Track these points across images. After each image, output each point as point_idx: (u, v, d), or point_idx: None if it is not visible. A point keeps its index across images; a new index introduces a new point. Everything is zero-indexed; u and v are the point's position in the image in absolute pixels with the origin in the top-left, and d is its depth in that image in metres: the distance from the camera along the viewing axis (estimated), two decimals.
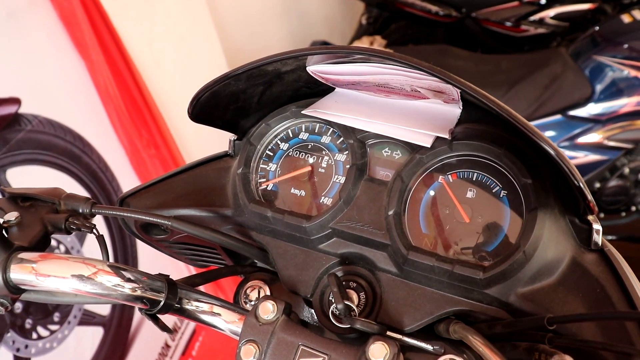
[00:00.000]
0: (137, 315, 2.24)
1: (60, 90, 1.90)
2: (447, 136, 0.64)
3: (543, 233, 0.59)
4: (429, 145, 0.65)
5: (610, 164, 2.41)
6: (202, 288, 0.90)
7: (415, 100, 0.69)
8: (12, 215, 0.65)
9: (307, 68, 0.67)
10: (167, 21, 2.30)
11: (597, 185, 2.54)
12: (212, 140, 0.88)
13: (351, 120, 0.69)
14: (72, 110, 1.94)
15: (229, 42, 2.85)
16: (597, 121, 2.34)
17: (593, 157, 2.39)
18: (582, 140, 2.38)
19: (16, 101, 1.71)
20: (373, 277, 0.66)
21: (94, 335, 2.01)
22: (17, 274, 0.60)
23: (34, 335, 1.74)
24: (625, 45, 2.31)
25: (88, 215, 0.69)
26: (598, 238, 0.60)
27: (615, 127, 2.33)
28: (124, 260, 2.17)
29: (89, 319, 1.99)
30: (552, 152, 0.52)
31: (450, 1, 3.47)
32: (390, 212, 0.65)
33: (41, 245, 0.65)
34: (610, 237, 2.77)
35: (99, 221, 1.99)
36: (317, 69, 0.66)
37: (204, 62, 2.56)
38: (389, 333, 0.60)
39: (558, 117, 2.39)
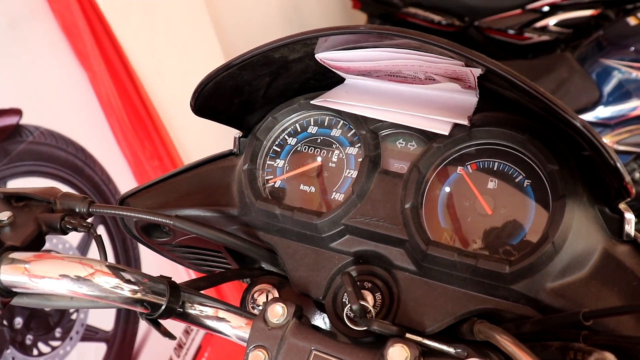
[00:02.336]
0: (142, 330, 2.20)
1: (62, 101, 1.89)
2: (466, 123, 0.60)
3: (572, 223, 0.55)
4: (447, 133, 0.61)
5: None
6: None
7: (430, 87, 0.65)
8: (4, 215, 0.62)
9: (316, 55, 0.63)
10: (168, 31, 2.30)
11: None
12: (217, 150, 0.86)
13: (363, 109, 0.65)
14: (74, 122, 1.93)
15: (231, 52, 2.83)
16: (605, 125, 2.32)
17: None
18: None
19: (17, 112, 1.70)
20: (389, 276, 0.62)
21: (97, 351, 1.98)
22: (8, 275, 0.56)
23: (35, 352, 1.72)
24: (632, 48, 2.29)
25: (85, 215, 0.66)
26: (630, 228, 0.56)
27: (624, 131, 2.30)
28: (125, 265, 2.14)
29: (91, 334, 1.96)
30: (584, 129, 0.49)
31: (453, 10, 3.47)
32: (407, 205, 0.61)
33: (35, 245, 0.62)
34: None
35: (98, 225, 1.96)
36: (326, 56, 0.62)
37: (206, 72, 2.54)
38: (408, 335, 0.55)
39: None
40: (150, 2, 2.16)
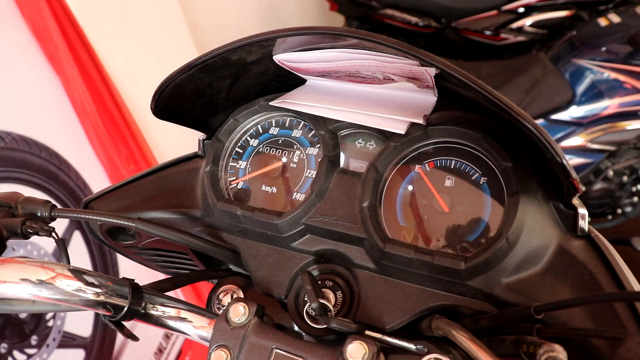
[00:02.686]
0: (121, 336, 2.19)
1: (35, 107, 1.86)
2: (421, 121, 0.61)
3: (526, 219, 0.56)
4: (403, 132, 0.62)
5: (594, 167, 2.41)
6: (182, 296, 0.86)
7: (388, 87, 0.66)
8: None
9: (274, 57, 0.64)
10: (144, 36, 2.28)
11: (583, 189, 2.53)
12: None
13: (321, 109, 0.66)
14: (48, 127, 1.90)
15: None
16: (579, 124, 2.35)
17: (577, 160, 2.39)
18: (565, 143, 2.38)
19: None
20: (350, 274, 0.63)
21: (74, 358, 1.96)
22: None
23: None
24: (604, 48, 2.33)
25: (47, 219, 0.66)
26: (584, 223, 0.57)
27: (598, 129, 2.34)
28: (103, 271, 2.13)
29: (69, 341, 1.93)
30: (531, 127, 0.50)
31: (430, 12, 3.50)
32: (365, 204, 0.62)
33: None
34: None
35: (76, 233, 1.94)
36: (284, 57, 0.63)
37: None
38: (367, 332, 0.56)
39: (540, 121, 2.40)
40: (125, 5, 2.14)
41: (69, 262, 0.61)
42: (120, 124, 2.06)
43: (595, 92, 2.31)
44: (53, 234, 0.64)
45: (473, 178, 0.61)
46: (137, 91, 2.20)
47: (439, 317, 0.57)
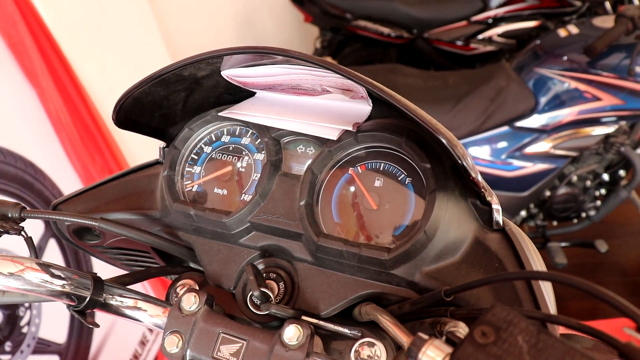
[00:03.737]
0: (95, 342, 2.21)
1: (10, 117, 1.90)
2: (351, 129, 0.68)
3: (443, 214, 0.63)
4: (335, 138, 0.69)
5: (559, 172, 2.48)
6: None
7: (324, 98, 0.73)
8: None
9: (222, 72, 0.71)
10: (119, 47, 2.32)
11: (548, 193, 2.62)
12: None
13: (265, 119, 0.73)
14: (23, 137, 1.94)
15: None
16: (542, 131, 2.42)
17: (541, 166, 2.46)
18: (530, 150, 2.45)
19: None
20: (291, 267, 0.69)
21: None
22: None
23: None
24: (564, 57, 2.42)
25: (17, 220, 0.71)
26: (499, 217, 0.63)
27: (561, 136, 2.42)
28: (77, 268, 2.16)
29: (43, 347, 1.96)
30: (432, 130, 0.56)
31: (402, 23, 3.59)
32: (302, 203, 0.68)
33: None
34: (564, 244, 2.84)
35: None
36: (231, 73, 0.70)
37: None
38: (304, 317, 0.62)
39: (505, 128, 2.46)
40: (100, 18, 2.19)
41: (37, 257, 0.67)
42: (95, 134, 2.10)
43: (558, 101, 2.39)
44: (22, 233, 0.70)
45: (399, 178, 0.68)
46: (112, 101, 2.21)
47: (367, 304, 0.64)
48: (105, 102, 2.18)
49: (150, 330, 2.54)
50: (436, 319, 0.60)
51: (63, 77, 1.96)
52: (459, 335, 0.52)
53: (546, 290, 0.59)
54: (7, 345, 1.81)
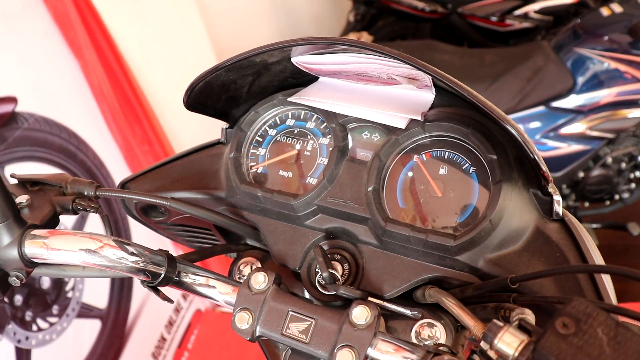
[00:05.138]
0: (134, 308, 2.30)
1: (55, 89, 1.95)
2: (419, 118, 0.70)
3: (508, 204, 0.65)
4: (403, 127, 0.71)
5: (593, 153, 2.46)
6: None
7: (391, 86, 0.75)
8: (23, 198, 0.71)
9: (292, 59, 0.73)
10: (157, 21, 2.35)
11: (581, 174, 2.60)
12: (203, 135, 0.93)
13: (332, 105, 0.74)
14: (67, 109, 2.00)
15: (218, 40, 2.90)
16: (579, 112, 2.40)
17: (576, 147, 2.44)
18: (565, 130, 2.43)
19: (13, 100, 1.76)
20: (355, 249, 0.72)
21: (92, 327, 2.08)
22: (31, 248, 0.65)
23: (34, 327, 1.81)
24: (605, 38, 2.38)
25: (93, 198, 0.75)
26: (559, 208, 0.65)
27: (598, 117, 2.39)
28: None
29: (86, 311, 2.05)
30: (509, 127, 0.58)
31: None
32: (370, 189, 0.71)
33: (51, 223, 0.71)
34: (595, 226, 2.83)
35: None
36: (301, 59, 0.72)
37: (193, 59, 2.61)
38: (370, 298, 0.65)
39: (541, 108, 2.44)
40: None
41: (112, 234, 0.71)
42: (135, 105, 2.14)
43: (596, 81, 2.37)
44: (100, 210, 0.73)
45: (464, 167, 0.70)
46: (151, 74, 2.28)
47: (431, 287, 0.67)
48: (144, 74, 2.21)
49: (184, 298, 2.62)
50: (499, 305, 0.62)
51: (105, 50, 2.00)
52: (530, 322, 0.54)
53: (607, 281, 0.61)
54: (55, 309, 1.90)
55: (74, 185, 0.75)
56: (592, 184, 2.65)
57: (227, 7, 3.15)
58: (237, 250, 0.83)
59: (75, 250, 0.65)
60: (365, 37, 2.91)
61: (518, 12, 3.43)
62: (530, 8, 3.43)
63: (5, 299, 1.71)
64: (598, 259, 0.65)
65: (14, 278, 0.67)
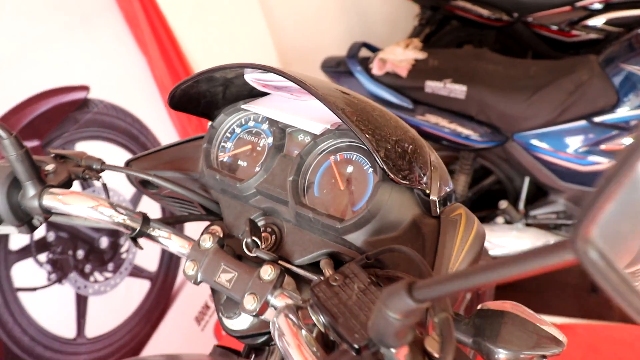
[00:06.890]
0: (180, 275, 2.53)
1: (123, 80, 2.22)
2: (329, 127, 0.90)
3: (386, 199, 0.80)
4: (318, 133, 0.89)
5: None
6: None
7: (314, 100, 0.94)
8: (50, 166, 0.98)
9: (245, 76, 0.95)
10: (220, 21, 2.56)
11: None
12: None
13: (271, 112, 0.95)
14: (133, 98, 2.26)
15: (282, 41, 3.02)
16: (622, 128, 2.37)
17: None
18: (606, 146, 2.41)
19: (86, 88, 2.05)
20: (282, 224, 0.92)
21: (141, 286, 2.34)
22: (48, 201, 0.91)
23: (92, 279, 2.09)
24: None
25: (99, 170, 1.01)
26: (435, 208, 0.79)
27: None
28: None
29: (138, 272, 2.30)
30: (364, 140, 0.77)
31: (502, 5, 3.51)
32: (290, 178, 0.90)
33: (66, 186, 0.97)
34: None
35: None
36: (251, 77, 0.94)
37: (254, 58, 2.82)
38: (280, 262, 0.83)
39: (583, 122, 2.43)
40: None
41: (108, 197, 0.97)
42: None
43: None
44: (101, 179, 1.00)
45: (365, 168, 0.87)
46: None
47: (325, 259, 0.84)
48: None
49: None
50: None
51: (168, 48, 2.26)
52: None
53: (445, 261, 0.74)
54: (110, 266, 2.19)
55: (86, 160, 1.01)
56: None
57: (293, 8, 3.27)
58: (209, 220, 1.06)
59: (79, 205, 0.91)
60: (415, 43, 3.01)
61: (586, 22, 3.38)
62: (600, 19, 3.36)
63: (70, 252, 2.03)
64: (452, 253, 0.75)
65: (36, 221, 0.95)
